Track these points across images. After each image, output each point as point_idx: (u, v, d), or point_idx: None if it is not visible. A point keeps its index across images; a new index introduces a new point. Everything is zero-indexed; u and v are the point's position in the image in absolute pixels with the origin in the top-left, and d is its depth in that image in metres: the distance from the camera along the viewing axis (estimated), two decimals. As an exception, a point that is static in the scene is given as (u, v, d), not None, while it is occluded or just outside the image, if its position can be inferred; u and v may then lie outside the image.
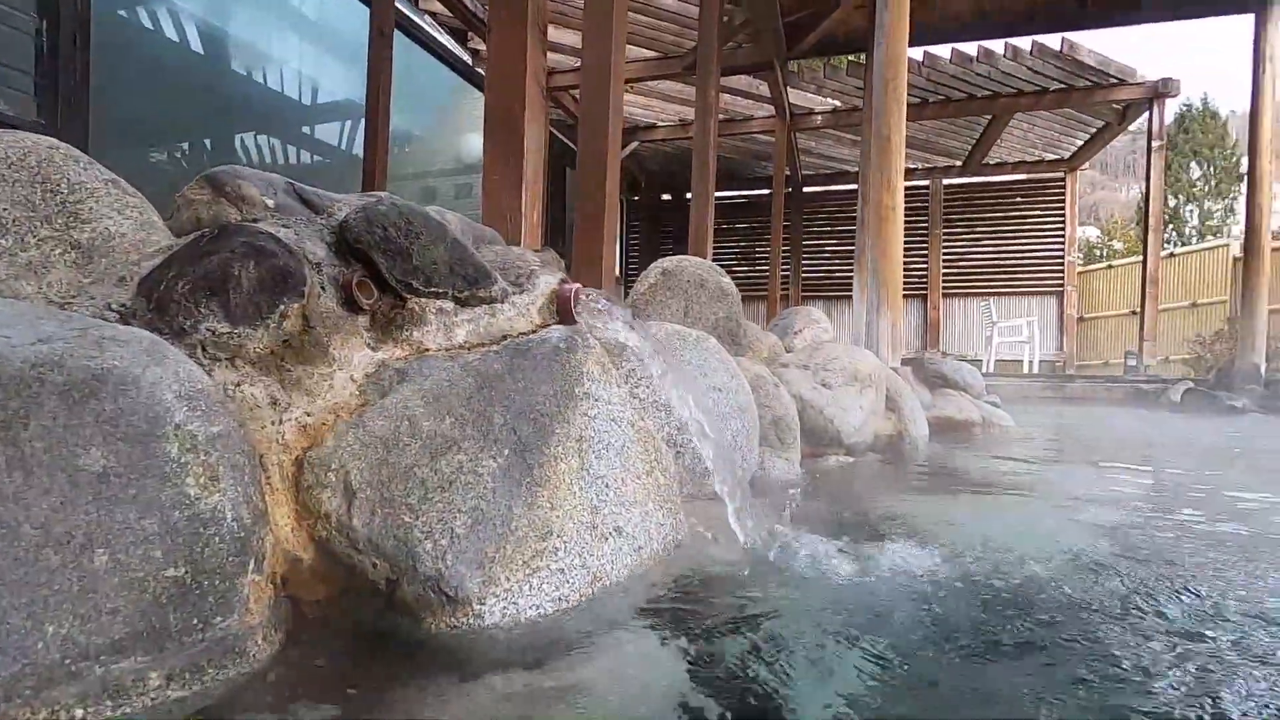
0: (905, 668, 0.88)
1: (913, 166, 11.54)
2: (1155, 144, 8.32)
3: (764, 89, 8.65)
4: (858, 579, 1.22)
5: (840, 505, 1.87)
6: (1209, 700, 0.81)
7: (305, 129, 6.67)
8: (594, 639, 0.93)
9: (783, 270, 11.27)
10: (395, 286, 1.08)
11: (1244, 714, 0.78)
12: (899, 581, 1.21)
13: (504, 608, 0.93)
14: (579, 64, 3.23)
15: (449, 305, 1.15)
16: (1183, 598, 1.19)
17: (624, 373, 1.52)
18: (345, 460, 0.90)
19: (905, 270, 11.50)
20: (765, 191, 11.46)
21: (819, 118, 9.44)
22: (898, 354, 4.31)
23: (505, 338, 1.22)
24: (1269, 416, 5.34)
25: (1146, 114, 8.56)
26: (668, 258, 2.49)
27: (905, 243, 11.68)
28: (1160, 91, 8.18)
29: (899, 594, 1.15)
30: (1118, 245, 26.91)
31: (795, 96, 9.10)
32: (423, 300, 1.12)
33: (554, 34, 7.45)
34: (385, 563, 0.88)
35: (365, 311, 1.06)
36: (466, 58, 8.30)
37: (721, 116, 9.46)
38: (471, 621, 0.90)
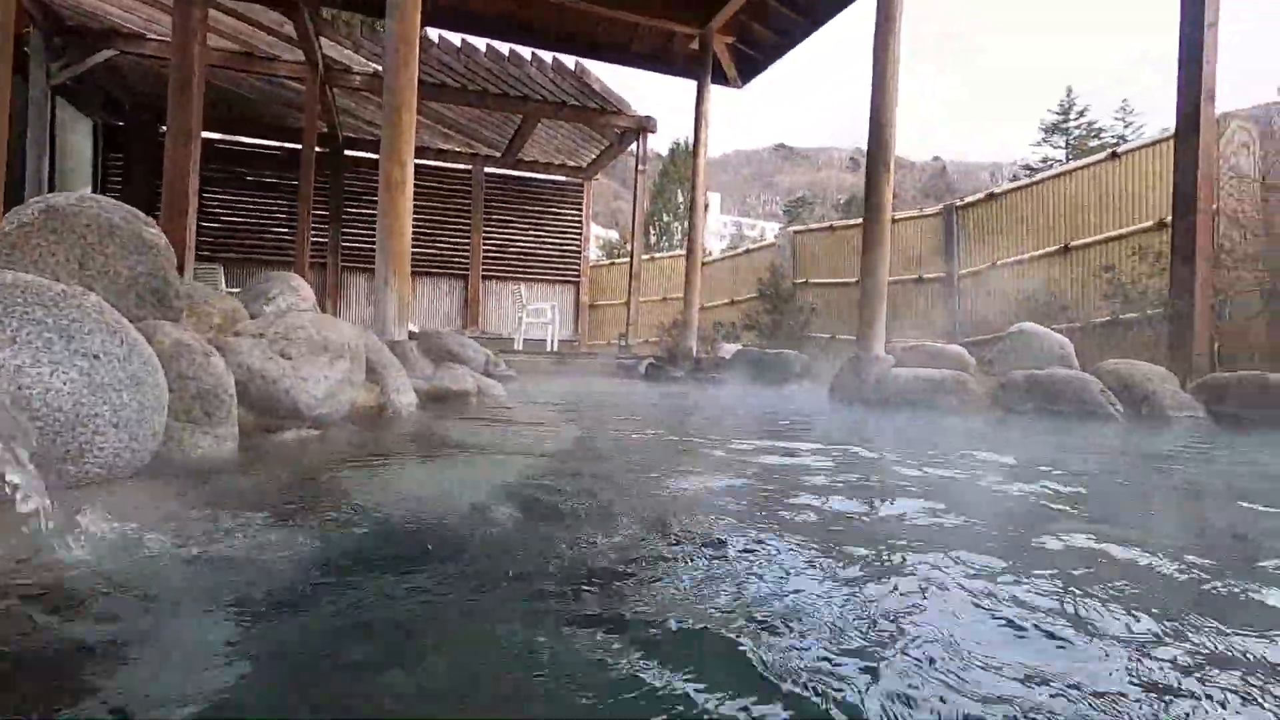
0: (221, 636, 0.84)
1: (458, 150, 11.95)
2: (641, 168, 10.35)
3: (291, 30, 7.76)
4: (206, 559, 1.14)
5: (258, 482, 1.76)
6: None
7: None
8: None
9: (321, 237, 10.43)
10: None
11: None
12: (262, 554, 1.17)
13: None
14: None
15: None
16: (550, 524, 1.45)
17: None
18: None
19: (449, 250, 11.91)
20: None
21: (358, 78, 8.95)
22: (405, 326, 4.37)
23: None
24: (694, 383, 7.22)
25: (636, 142, 10.59)
26: (61, 193, 1.98)
27: (449, 223, 12.04)
28: (644, 126, 10.20)
29: (252, 565, 1.12)
30: (628, 246, 33.11)
31: (334, 51, 8.43)
32: None
33: None
34: None
35: None
36: None
37: (235, 47, 8.17)
38: None
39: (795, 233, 11.46)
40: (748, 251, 12.60)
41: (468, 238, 12.01)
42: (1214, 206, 5.66)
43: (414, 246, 11.38)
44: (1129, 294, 6.61)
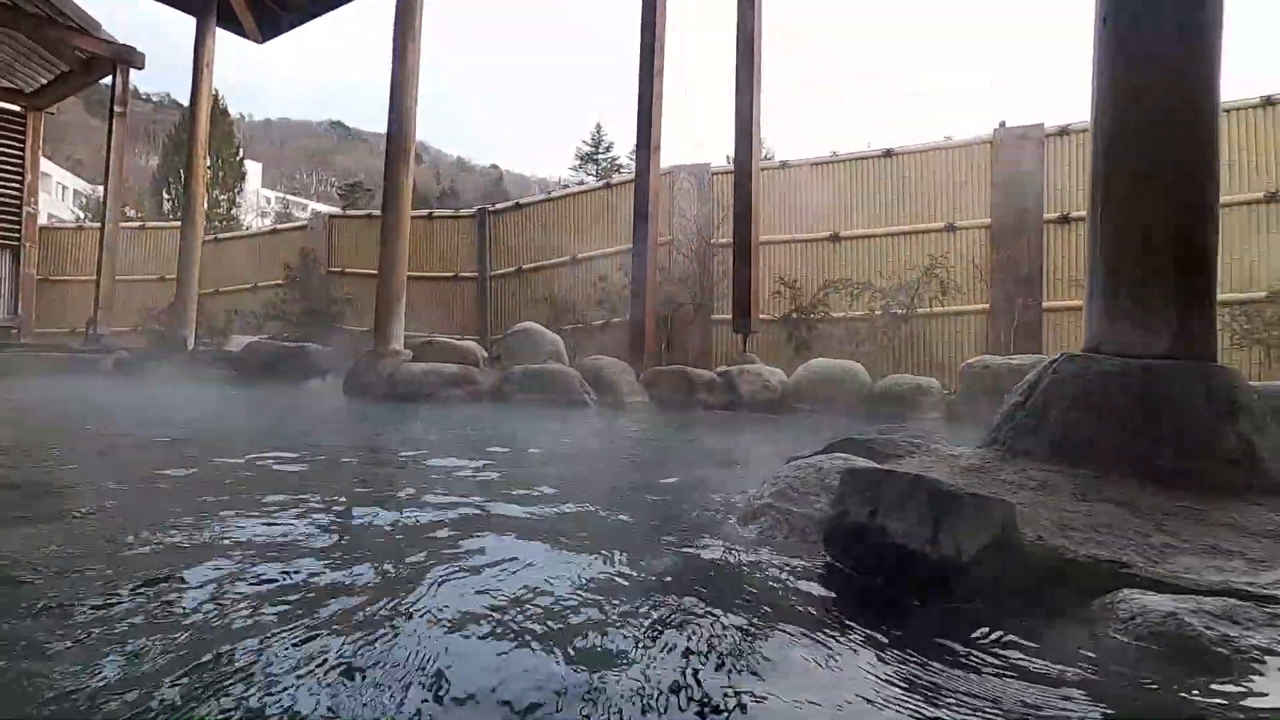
0: None
1: None
2: (117, 109, 8.17)
3: None
4: None
5: None
6: None
7: None
8: None
9: None
10: None
11: None
12: None
13: None
14: None
15: None
16: None
17: None
18: None
19: None
20: None
21: None
22: None
23: None
24: (182, 382, 6.00)
25: (113, 76, 8.32)
26: None
27: None
28: (124, 58, 8.09)
29: None
30: (130, 212, 26.19)
31: None
32: None
33: None
34: None
35: None
36: None
37: None
38: None
39: (330, 217, 10.61)
40: (274, 231, 11.17)
41: None
42: (662, 239, 7.21)
43: None
44: (614, 301, 7.99)
